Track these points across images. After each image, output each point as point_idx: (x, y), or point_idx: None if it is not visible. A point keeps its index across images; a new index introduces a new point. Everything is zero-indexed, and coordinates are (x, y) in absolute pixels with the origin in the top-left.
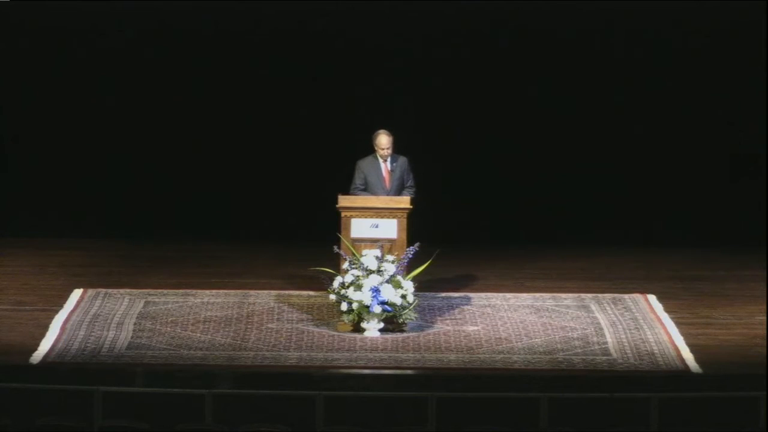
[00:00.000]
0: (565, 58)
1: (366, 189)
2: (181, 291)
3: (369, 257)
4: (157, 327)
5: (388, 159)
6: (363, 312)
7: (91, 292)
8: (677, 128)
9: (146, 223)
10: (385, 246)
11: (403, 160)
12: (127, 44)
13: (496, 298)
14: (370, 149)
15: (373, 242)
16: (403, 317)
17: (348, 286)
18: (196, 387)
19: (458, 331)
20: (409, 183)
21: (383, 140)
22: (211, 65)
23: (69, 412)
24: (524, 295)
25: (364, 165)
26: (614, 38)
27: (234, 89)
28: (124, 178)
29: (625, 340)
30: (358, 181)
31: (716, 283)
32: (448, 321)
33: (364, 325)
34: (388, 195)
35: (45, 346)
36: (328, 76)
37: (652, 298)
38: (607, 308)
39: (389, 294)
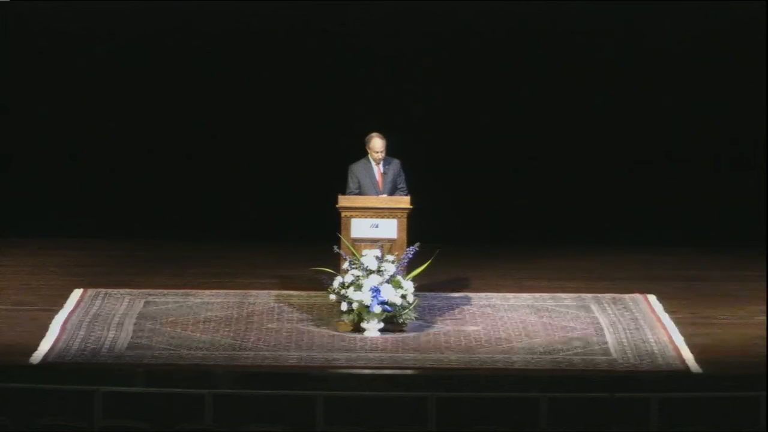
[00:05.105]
0: (565, 58)
1: (360, 193)
2: (181, 291)
3: (369, 257)
4: (157, 327)
5: (381, 162)
6: (363, 312)
7: (91, 292)
8: (677, 128)
9: (146, 223)
10: (385, 246)
11: (395, 162)
12: (127, 45)
13: (496, 298)
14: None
15: (373, 242)
16: (403, 317)
17: (348, 286)
18: (196, 387)
19: (458, 331)
20: (401, 185)
21: (377, 143)
22: (212, 66)
23: (69, 412)
24: (524, 295)
25: (356, 169)
26: (614, 38)
27: (234, 89)
28: (124, 178)
29: (625, 340)
30: (352, 185)
31: (716, 283)
32: (448, 321)
33: (364, 325)
34: None
35: (45, 346)
36: (329, 76)
37: (652, 298)
38: (607, 308)
39: (389, 294)
